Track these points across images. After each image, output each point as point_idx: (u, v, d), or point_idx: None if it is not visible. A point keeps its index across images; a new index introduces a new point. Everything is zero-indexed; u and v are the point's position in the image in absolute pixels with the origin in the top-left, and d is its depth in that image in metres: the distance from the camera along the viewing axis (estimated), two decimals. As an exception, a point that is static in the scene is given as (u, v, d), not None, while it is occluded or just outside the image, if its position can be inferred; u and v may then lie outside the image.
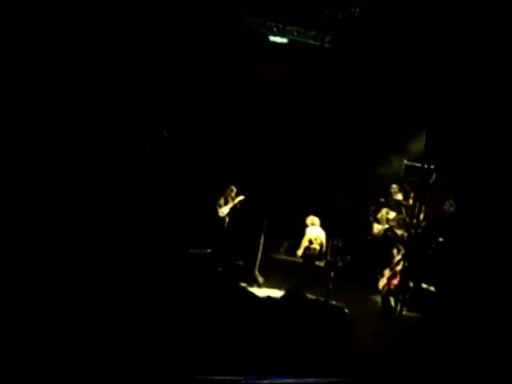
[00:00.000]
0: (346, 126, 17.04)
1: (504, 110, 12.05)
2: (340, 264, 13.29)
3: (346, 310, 11.95)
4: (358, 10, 13.89)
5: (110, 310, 9.99)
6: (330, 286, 12.77)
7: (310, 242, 14.25)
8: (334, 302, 12.32)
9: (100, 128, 15.06)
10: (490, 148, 12.49)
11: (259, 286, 13.58)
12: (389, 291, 13.22)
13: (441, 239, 13.95)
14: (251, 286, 13.38)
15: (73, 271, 11.19)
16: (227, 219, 15.99)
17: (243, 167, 17.26)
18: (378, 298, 13.60)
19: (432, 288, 13.05)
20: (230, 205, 15.84)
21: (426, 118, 13.55)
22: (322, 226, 14.53)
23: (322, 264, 14.64)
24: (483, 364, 9.87)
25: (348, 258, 14.02)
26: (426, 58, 13.45)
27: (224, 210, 15.85)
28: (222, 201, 15.93)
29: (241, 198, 15.85)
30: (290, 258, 15.39)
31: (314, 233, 14.37)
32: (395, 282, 13.16)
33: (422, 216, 14.21)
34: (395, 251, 13.54)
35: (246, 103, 17.41)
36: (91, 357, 8.42)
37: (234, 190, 15.90)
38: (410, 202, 15.19)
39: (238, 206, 15.87)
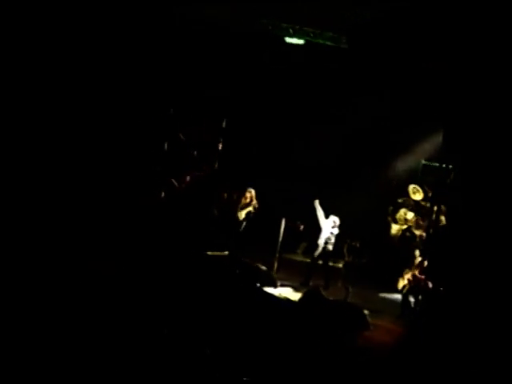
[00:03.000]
0: (364, 126, 17.00)
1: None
2: (358, 265, 13.24)
3: (366, 312, 11.91)
4: (373, 10, 13.83)
5: (130, 308, 10.10)
6: (349, 287, 12.71)
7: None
8: (353, 303, 12.28)
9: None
10: (508, 145, 12.36)
11: (276, 287, 13.56)
12: (408, 292, 13.16)
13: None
14: (269, 287, 13.34)
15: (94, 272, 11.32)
16: (244, 221, 15.96)
17: (262, 167, 17.28)
18: (398, 299, 13.53)
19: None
20: (247, 209, 15.74)
21: (443, 116, 13.47)
22: (341, 226, 14.47)
23: (340, 265, 14.62)
24: (497, 366, 9.81)
25: (366, 258, 13.96)
26: (442, 56, 13.38)
27: (241, 215, 15.79)
28: (242, 204, 15.83)
29: (254, 203, 15.71)
30: (307, 260, 15.31)
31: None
32: (415, 282, 13.10)
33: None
34: (417, 252, 13.47)
35: (264, 104, 17.46)
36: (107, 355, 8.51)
37: (253, 191, 15.77)
38: (428, 202, 15.16)
39: (253, 211, 15.76)
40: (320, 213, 14.29)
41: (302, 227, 15.79)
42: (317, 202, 14.27)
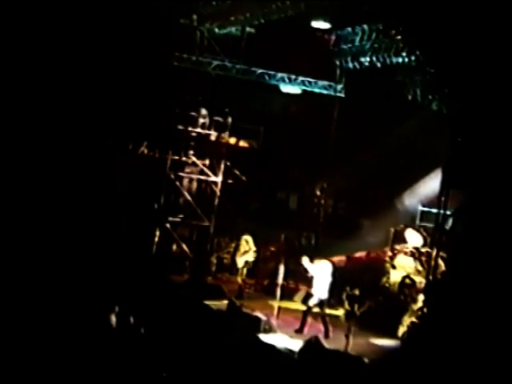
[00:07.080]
0: (359, 172, 17.09)
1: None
2: (358, 313, 13.10)
3: (366, 360, 11.75)
4: (367, 59, 14.01)
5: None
6: (349, 335, 12.57)
7: None
8: (352, 352, 12.15)
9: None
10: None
11: (275, 333, 13.42)
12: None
13: None
14: (267, 334, 13.19)
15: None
16: (244, 269, 16.00)
17: (260, 216, 17.38)
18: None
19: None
20: (245, 258, 15.84)
21: (441, 162, 13.43)
22: (340, 273, 14.39)
23: (338, 313, 14.49)
24: None
25: (366, 306, 13.83)
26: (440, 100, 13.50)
27: (239, 263, 15.89)
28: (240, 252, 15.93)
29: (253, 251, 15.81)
30: (304, 307, 15.05)
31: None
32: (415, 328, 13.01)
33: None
34: (419, 297, 13.40)
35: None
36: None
37: (249, 239, 15.84)
38: (428, 248, 15.09)
39: (252, 259, 15.85)
40: (309, 268, 14.16)
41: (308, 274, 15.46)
42: (304, 260, 14.15)
